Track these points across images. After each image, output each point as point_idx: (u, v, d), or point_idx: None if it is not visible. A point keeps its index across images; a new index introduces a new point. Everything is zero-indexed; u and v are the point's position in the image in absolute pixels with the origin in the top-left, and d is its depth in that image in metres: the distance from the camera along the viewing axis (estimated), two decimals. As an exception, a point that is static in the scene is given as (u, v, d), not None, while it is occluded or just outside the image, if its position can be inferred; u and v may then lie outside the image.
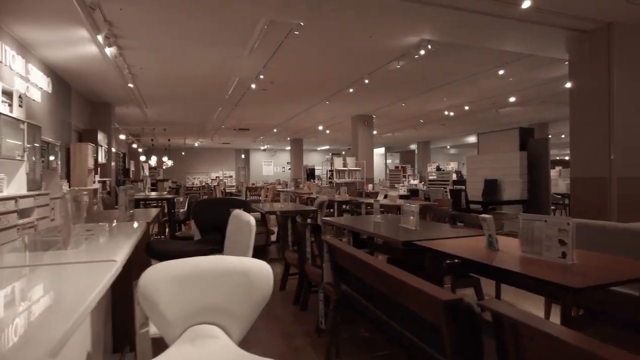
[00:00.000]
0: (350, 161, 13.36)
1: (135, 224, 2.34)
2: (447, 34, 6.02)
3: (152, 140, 13.77)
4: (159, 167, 21.31)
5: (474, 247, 2.50)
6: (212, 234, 2.64)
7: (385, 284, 1.70)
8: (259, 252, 5.51)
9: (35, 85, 6.82)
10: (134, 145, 13.86)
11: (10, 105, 5.06)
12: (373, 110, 12.89)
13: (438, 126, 16.06)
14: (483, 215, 2.45)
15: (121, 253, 1.51)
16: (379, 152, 26.84)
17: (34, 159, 5.84)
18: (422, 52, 6.46)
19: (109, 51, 6.33)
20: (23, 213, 5.21)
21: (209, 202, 2.83)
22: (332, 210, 7.36)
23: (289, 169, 22.10)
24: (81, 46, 6.54)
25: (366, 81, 8.50)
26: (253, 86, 8.82)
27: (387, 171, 21.98)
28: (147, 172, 20.55)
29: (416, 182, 16.28)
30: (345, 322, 2.60)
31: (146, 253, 2.23)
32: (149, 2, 5.05)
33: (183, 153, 18.41)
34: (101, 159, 10.23)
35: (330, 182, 12.64)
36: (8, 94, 5.01)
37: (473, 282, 3.27)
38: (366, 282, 2.00)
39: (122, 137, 11.38)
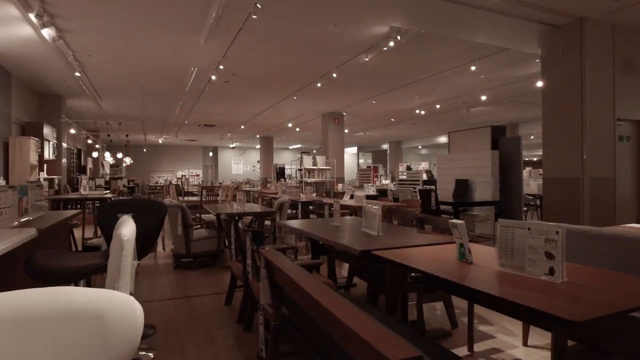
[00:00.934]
0: (320, 160, 12.93)
1: (7, 234, 1.80)
2: (417, 22, 5.66)
3: (108, 135, 12.89)
4: (120, 165, 20.27)
5: (442, 259, 2.10)
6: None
7: (324, 319, 1.25)
8: (210, 259, 5.02)
9: (-39, 70, 6.04)
10: (90, 141, 12.95)
11: None
12: (343, 108, 12.51)
13: (409, 125, 15.87)
14: (454, 221, 2.05)
15: None
16: (350, 151, 26.59)
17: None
18: (392, 43, 6.09)
19: (46, 33, 5.66)
20: None
21: (116, 205, 2.31)
22: (296, 211, 6.90)
23: (260, 167, 21.48)
24: (14, 27, 5.83)
25: (334, 75, 8.08)
26: (213, 77, 8.25)
27: (358, 171, 21.70)
28: (107, 170, 19.49)
29: (387, 182, 16.03)
30: (290, 353, 2.14)
31: (25, 271, 1.70)
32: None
33: (145, 150, 17.48)
34: (48, 154, 9.39)
35: (300, 182, 12.18)
36: None
37: (442, 295, 2.89)
38: (306, 312, 1.54)
39: (73, 131, 10.53)
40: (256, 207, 5.59)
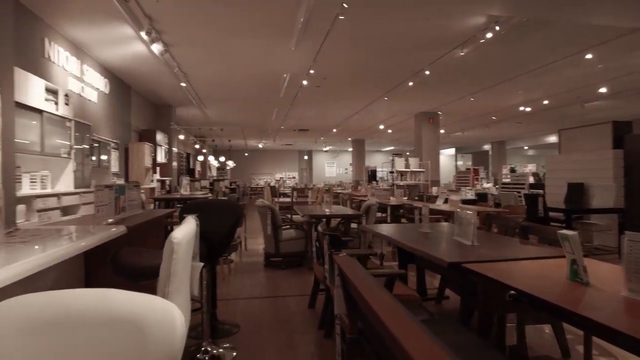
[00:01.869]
0: (414, 162, 12.44)
1: (98, 230, 1.92)
2: (519, 7, 5.07)
3: (213, 140, 13.93)
4: (225, 168, 21.85)
5: (549, 277, 1.76)
6: (200, 242, 2.17)
7: (390, 342, 1.07)
8: (298, 259, 5.05)
9: (91, 85, 6.95)
10: (197, 146, 14.14)
11: (56, 103, 5.06)
12: (438, 107, 11.89)
13: (513, 124, 14.52)
14: (564, 232, 1.70)
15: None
16: (448, 152, 25.32)
17: (88, 157, 5.91)
18: (490, 34, 5.56)
19: (156, 48, 6.23)
20: (68, 210, 5.21)
21: (197, 205, 2.37)
22: (385, 215, 6.66)
23: (352, 170, 21.50)
24: (130, 45, 6.53)
25: (427, 72, 7.67)
26: (305, 82, 8.40)
27: (455, 173, 20.50)
28: (213, 173, 21.16)
29: (489, 185, 14.85)
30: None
31: (111, 266, 1.79)
32: (185, -9, 4.80)
33: (246, 154, 18.59)
34: (161, 158, 10.42)
35: (392, 185, 11.86)
36: (53, 92, 5.01)
37: (550, 317, 2.46)
38: (376, 329, 1.37)
39: (181, 137, 11.56)
40: (343, 210, 5.49)
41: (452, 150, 25.48)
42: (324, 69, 7.71)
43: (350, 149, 21.19)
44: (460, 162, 25.98)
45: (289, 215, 6.66)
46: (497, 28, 5.42)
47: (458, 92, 9.94)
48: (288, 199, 9.11)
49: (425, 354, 0.85)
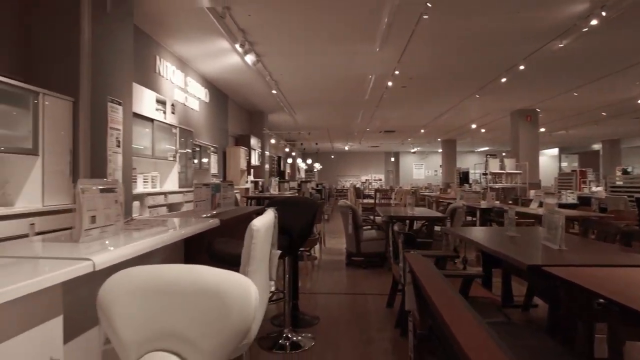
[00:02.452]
0: (510, 163, 11.67)
1: (196, 222, 2.19)
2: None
3: (301, 144, 14.53)
4: (313, 170, 22.56)
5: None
6: (282, 236, 2.35)
7: (452, 340, 1.11)
8: (378, 260, 5.08)
9: (194, 96, 7.73)
10: (287, 150, 14.84)
11: (164, 112, 5.75)
12: (536, 104, 11.01)
13: (630, 120, 12.87)
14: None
15: (110, 255, 1.31)
16: (550, 153, 23.20)
17: (191, 160, 6.61)
18: (594, 21, 5.06)
19: (249, 59, 6.72)
20: (173, 207, 5.88)
21: (282, 202, 2.56)
22: (474, 218, 6.39)
23: (441, 172, 20.76)
24: (227, 57, 7.14)
25: (521, 67, 7.19)
26: (390, 84, 8.39)
27: (557, 175, 18.69)
28: (302, 174, 21.98)
29: (599, 189, 13.31)
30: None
31: (207, 253, 2.05)
32: (273, 6, 5.13)
33: (332, 156, 18.99)
34: (254, 161, 11.17)
35: (485, 187, 11.24)
36: (162, 103, 5.70)
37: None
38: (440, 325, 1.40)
39: (273, 141, 12.25)
40: (427, 212, 5.40)
41: (555, 151, 23.29)
42: (410, 69, 7.64)
43: (440, 150, 20.49)
44: (564, 164, 23.61)
45: (372, 217, 6.71)
46: (604, 13, 4.91)
47: (558, 87, 9.13)
48: (372, 200, 9.17)
49: (482, 353, 0.89)
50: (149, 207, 5.20)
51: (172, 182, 6.08)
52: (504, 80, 8.03)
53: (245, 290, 1.04)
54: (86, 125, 3.81)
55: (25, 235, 3.01)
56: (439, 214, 4.88)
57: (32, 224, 3.11)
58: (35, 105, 3.28)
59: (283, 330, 2.74)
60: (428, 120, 13.79)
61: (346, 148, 22.22)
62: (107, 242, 1.53)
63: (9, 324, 1.06)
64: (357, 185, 20.45)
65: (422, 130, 15.67)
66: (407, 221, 4.75)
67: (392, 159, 25.43)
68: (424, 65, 7.65)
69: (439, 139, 18.99)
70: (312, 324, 3.10)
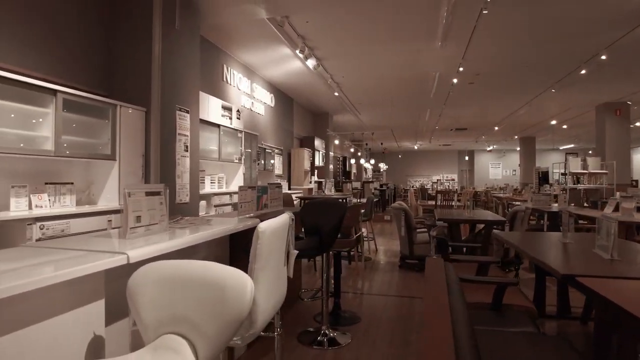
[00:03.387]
0: (593, 162, 10.65)
1: (237, 222, 2.39)
2: None
3: (366, 144, 14.53)
4: (380, 170, 22.39)
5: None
6: (311, 236, 2.47)
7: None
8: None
9: (260, 101, 8.15)
10: (352, 150, 14.93)
11: (230, 118, 6.16)
12: (627, 96, 9.95)
13: None
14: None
15: (142, 251, 1.53)
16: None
17: (255, 162, 7.00)
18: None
19: (310, 63, 6.94)
20: (236, 206, 6.27)
21: (312, 204, 2.67)
22: (542, 222, 5.99)
23: (519, 171, 19.48)
24: (289, 62, 7.44)
25: (603, 57, 6.57)
26: (455, 81, 8.13)
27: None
28: (369, 175, 21.91)
29: None
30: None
31: (243, 252, 2.24)
32: (329, 11, 5.27)
33: (400, 156, 18.70)
34: (318, 162, 11.42)
35: (563, 189, 10.39)
36: (228, 109, 6.12)
37: None
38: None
39: (337, 142, 12.42)
40: (488, 215, 5.19)
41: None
42: (475, 65, 7.37)
43: (518, 148, 19.24)
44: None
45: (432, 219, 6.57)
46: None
47: (653, 77, 8.18)
48: (433, 202, 8.93)
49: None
50: (215, 206, 5.63)
51: (237, 183, 6.48)
52: (583, 72, 7.39)
53: (242, 283, 1.18)
54: (157, 132, 4.25)
55: (104, 230, 3.47)
56: (499, 218, 4.67)
57: (110, 220, 3.57)
58: (113, 116, 3.75)
59: (321, 327, 2.86)
60: (502, 117, 13.07)
61: (415, 147, 21.73)
62: (147, 239, 1.77)
63: (61, 302, 1.31)
64: (427, 186, 19.94)
65: (496, 128, 14.85)
66: (456, 225, 4.61)
67: (466, 158, 24.34)
68: (490, 61, 7.31)
69: (515, 137, 17.85)
70: (353, 322, 3.19)
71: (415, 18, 5.52)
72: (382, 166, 16.01)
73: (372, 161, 15.92)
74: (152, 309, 1.24)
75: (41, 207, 3.10)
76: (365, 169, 20.14)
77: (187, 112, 4.70)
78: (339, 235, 2.98)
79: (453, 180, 24.38)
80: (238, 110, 6.45)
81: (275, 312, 1.60)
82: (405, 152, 23.38)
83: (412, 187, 22.94)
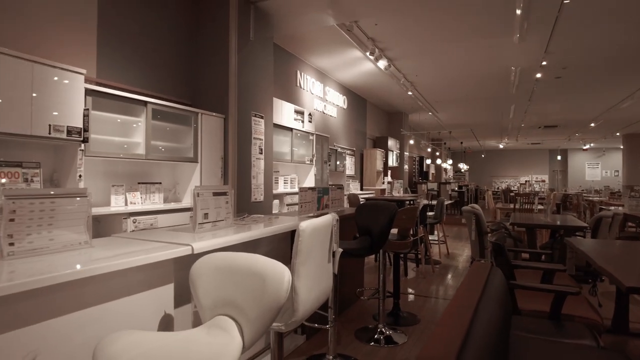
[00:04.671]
0: None
1: (292, 221, 2.57)
2: None
3: (444, 143, 14.06)
4: (461, 171, 21.49)
5: None
6: (364, 237, 2.55)
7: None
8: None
9: (332, 103, 8.36)
10: (429, 150, 14.58)
11: (302, 121, 6.45)
12: None
13: None
14: None
15: (204, 243, 1.75)
16: None
17: (326, 163, 7.24)
18: None
19: (381, 64, 6.99)
20: (310, 206, 6.54)
21: (364, 206, 2.75)
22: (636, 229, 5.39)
23: (622, 172, 17.46)
24: (361, 64, 7.55)
25: None
26: (539, 75, 7.62)
27: None
28: (450, 175, 21.14)
29: None
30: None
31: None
32: (398, 12, 5.29)
33: (483, 155, 17.78)
34: (392, 162, 11.35)
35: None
36: (300, 113, 6.40)
37: None
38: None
39: (411, 142, 12.22)
40: (569, 220, 4.82)
41: None
42: (561, 57, 6.86)
43: (622, 146, 17.25)
44: None
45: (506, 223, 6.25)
46: None
47: None
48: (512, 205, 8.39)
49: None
50: (287, 205, 5.93)
51: (309, 183, 6.75)
52: (696, 59, 6.50)
53: (280, 274, 1.34)
54: (234, 137, 4.63)
55: (186, 224, 3.89)
56: (580, 223, 4.31)
57: (191, 216, 3.98)
58: (196, 122, 4.17)
59: (378, 325, 2.94)
60: (598, 112, 11.86)
61: (500, 146, 20.48)
62: (213, 233, 2.01)
63: (140, 283, 1.58)
64: (513, 188, 18.75)
65: (592, 124, 13.50)
66: (531, 230, 4.35)
67: (559, 157, 22.37)
68: (578, 52, 6.74)
69: (617, 133, 16.03)
70: (412, 323, 3.21)
71: (490, 13, 5.31)
72: (462, 166, 15.35)
73: (450, 161, 15.34)
74: (207, 293, 1.45)
75: (134, 203, 3.59)
76: (445, 170, 19.49)
77: (262, 117, 5.04)
78: (393, 237, 3.03)
79: (543, 181, 22.57)
80: (310, 114, 6.71)
81: (318, 304, 1.73)
82: (489, 151, 22.15)
83: (498, 188, 21.68)
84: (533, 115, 12.28)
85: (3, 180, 2.71)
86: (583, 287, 3.10)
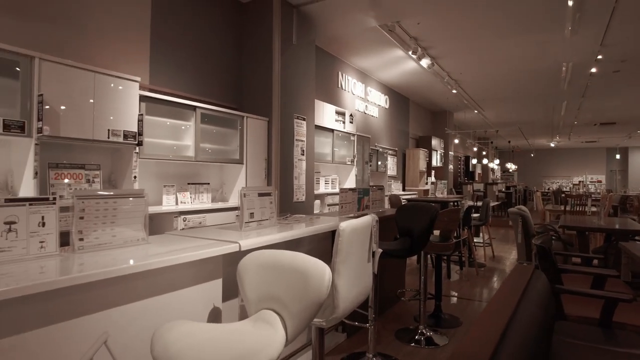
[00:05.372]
0: None
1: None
2: None
3: (491, 142, 13.60)
4: (511, 171, 20.66)
5: None
6: (404, 238, 2.55)
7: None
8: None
9: (374, 103, 8.35)
10: (475, 149, 14.15)
11: (343, 122, 6.50)
12: None
13: None
14: None
15: (251, 241, 1.85)
16: None
17: (367, 163, 7.25)
18: None
19: (424, 63, 6.90)
20: (351, 206, 6.58)
21: (405, 207, 2.74)
22: None
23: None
24: (403, 63, 7.49)
25: None
26: (594, 70, 7.23)
27: None
28: (497, 175, 20.40)
29: None
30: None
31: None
32: (439, 11, 5.22)
33: (532, 155, 17.01)
34: (436, 162, 11.15)
35: None
36: (341, 114, 6.46)
37: None
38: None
39: (456, 141, 11.92)
40: (627, 223, 4.56)
41: None
42: (619, 50, 6.48)
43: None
44: None
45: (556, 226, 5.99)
46: None
47: None
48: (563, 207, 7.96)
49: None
50: (328, 205, 6.01)
51: (349, 184, 6.80)
52: None
53: (321, 272, 1.41)
54: (277, 139, 4.76)
55: (233, 223, 4.06)
56: (636, 227, 4.06)
57: (237, 215, 4.15)
58: (241, 126, 4.34)
59: (419, 326, 2.94)
60: (662, 108, 11.05)
61: (552, 145, 19.52)
62: (259, 232, 2.11)
63: (190, 277, 1.70)
64: (566, 188, 17.84)
65: (656, 121, 12.59)
66: (582, 233, 4.15)
67: (618, 156, 20.99)
68: (639, 44, 6.33)
69: (687, 130, 14.84)
70: (454, 325, 3.18)
71: (538, 5, 5.11)
72: (510, 166, 14.77)
73: (497, 161, 14.82)
74: (253, 288, 1.54)
75: (184, 203, 3.79)
76: (492, 170, 18.84)
77: (304, 119, 5.14)
78: (435, 239, 3.01)
79: (600, 182, 21.25)
80: (351, 115, 6.75)
81: (358, 302, 1.78)
82: (539, 150, 21.16)
83: (548, 189, 20.66)
84: (587, 112, 11.64)
85: (66, 181, 2.96)
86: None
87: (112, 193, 1.62)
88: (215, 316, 1.78)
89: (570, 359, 1.68)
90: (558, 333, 1.96)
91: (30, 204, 1.42)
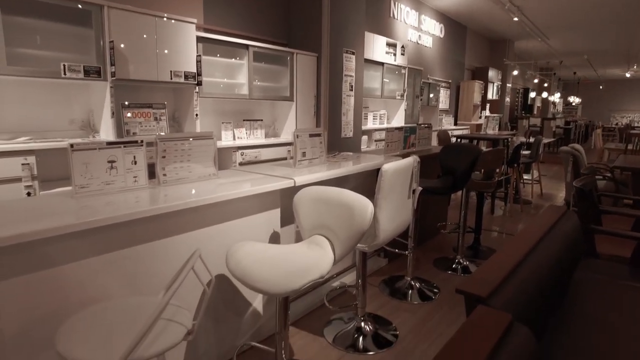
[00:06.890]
0: None
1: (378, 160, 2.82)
2: None
3: (554, 74, 12.64)
4: (576, 104, 19.24)
5: None
6: (446, 176, 2.68)
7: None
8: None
9: (427, 32, 7.99)
10: (536, 81, 13.25)
11: (394, 54, 6.37)
12: None
13: None
14: None
15: (304, 177, 2.09)
16: None
17: (418, 97, 7.16)
18: None
19: (483, -11, 6.44)
20: (399, 141, 6.66)
21: (448, 147, 2.83)
22: None
23: None
24: (461, -10, 7.00)
25: None
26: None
27: None
28: (559, 109, 19.12)
29: None
30: None
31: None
32: None
33: (601, 87, 15.65)
34: (492, 95, 10.68)
35: None
36: (392, 46, 6.31)
37: None
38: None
39: (515, 72, 11.22)
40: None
41: None
42: None
43: None
44: None
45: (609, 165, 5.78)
46: None
47: None
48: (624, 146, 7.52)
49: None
50: (375, 140, 6.13)
51: (398, 119, 6.81)
52: None
53: (365, 206, 1.64)
54: (326, 75, 4.84)
55: (284, 158, 4.35)
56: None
57: (289, 150, 4.42)
58: (291, 62, 4.45)
59: (456, 256, 3.17)
60: None
61: (627, 75, 17.75)
62: (310, 169, 2.35)
63: (254, 206, 2.00)
64: (637, 124, 16.54)
65: None
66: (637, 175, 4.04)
67: None
68: None
69: None
70: (489, 256, 3.38)
71: None
72: (573, 99, 13.77)
73: (558, 94, 13.84)
74: (307, 218, 1.81)
75: (241, 138, 4.09)
76: (554, 103, 17.67)
77: (353, 53, 5.13)
78: (477, 177, 3.11)
79: (678, 116, 19.36)
80: (403, 46, 6.57)
81: (397, 233, 2.02)
82: (609, 81, 19.33)
83: (616, 124, 19.18)
84: (672, 38, 10.40)
85: (138, 120, 3.31)
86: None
87: (187, 136, 1.90)
88: (275, 239, 2.10)
89: (589, 292, 1.85)
90: (584, 269, 2.11)
91: (124, 146, 1.72)
